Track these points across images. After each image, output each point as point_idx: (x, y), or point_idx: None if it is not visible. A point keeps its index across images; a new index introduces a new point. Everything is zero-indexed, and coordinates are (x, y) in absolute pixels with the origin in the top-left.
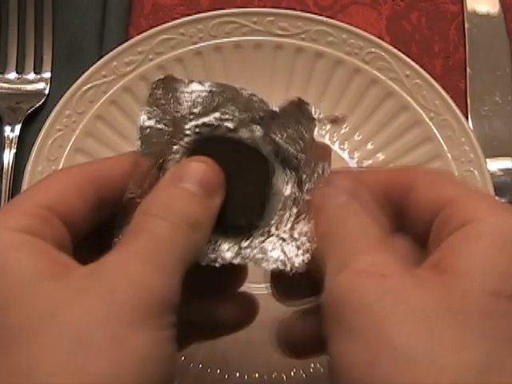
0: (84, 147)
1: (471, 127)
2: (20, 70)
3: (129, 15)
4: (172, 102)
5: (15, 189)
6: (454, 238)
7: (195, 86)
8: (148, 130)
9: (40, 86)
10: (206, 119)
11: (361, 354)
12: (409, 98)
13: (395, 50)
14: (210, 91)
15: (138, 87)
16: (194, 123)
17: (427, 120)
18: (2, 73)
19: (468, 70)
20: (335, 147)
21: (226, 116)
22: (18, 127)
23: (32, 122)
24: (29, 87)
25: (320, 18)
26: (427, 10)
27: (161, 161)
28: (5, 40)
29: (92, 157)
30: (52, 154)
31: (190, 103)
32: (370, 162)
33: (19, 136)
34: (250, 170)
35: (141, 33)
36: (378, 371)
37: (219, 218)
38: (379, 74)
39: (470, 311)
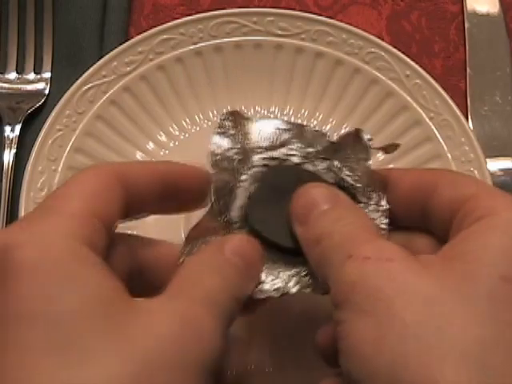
0: (84, 147)
1: (471, 127)
2: (20, 70)
3: (129, 15)
4: (241, 134)
5: (15, 189)
6: (468, 230)
7: (262, 124)
8: (218, 157)
9: (40, 86)
10: (273, 153)
11: (371, 331)
12: (409, 98)
13: (395, 50)
14: (278, 128)
15: (138, 87)
16: (261, 156)
17: (427, 120)
18: (2, 73)
19: (468, 69)
20: None
21: (292, 152)
22: (18, 127)
23: (32, 122)
24: (29, 87)
25: (320, 17)
26: (427, 10)
27: (231, 185)
28: (5, 40)
29: (92, 157)
30: (52, 153)
31: (257, 138)
32: (369, 162)
33: (19, 136)
34: None
35: (141, 33)
36: (386, 345)
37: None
38: (379, 74)
39: (478, 294)
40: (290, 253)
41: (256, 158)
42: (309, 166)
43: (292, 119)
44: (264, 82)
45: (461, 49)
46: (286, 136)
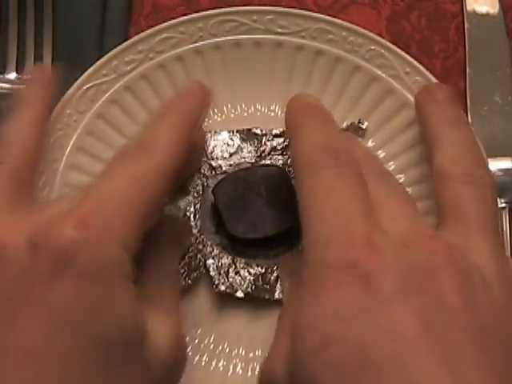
0: (85, 146)
1: None
2: (20, 70)
3: (129, 15)
4: None
5: None
6: None
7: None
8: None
9: None
10: (227, 162)
11: None
12: (409, 95)
13: (395, 48)
14: (229, 138)
15: (138, 86)
16: (218, 165)
17: None
18: (2, 73)
19: (468, 69)
20: None
21: (245, 155)
22: None
23: None
24: None
25: (319, 15)
26: (427, 10)
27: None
28: (5, 40)
29: (93, 156)
30: (53, 153)
31: (208, 153)
32: None
33: None
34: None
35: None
36: None
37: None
38: (379, 72)
39: None
40: (263, 248)
41: (211, 170)
42: (265, 161)
43: None
44: (264, 80)
45: (460, 49)
46: (237, 143)
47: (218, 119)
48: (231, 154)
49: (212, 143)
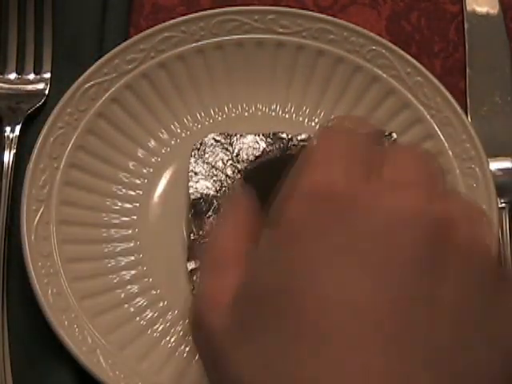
0: (86, 145)
1: None
2: (20, 70)
3: (129, 15)
4: (216, 153)
5: (15, 189)
6: None
7: (238, 143)
8: (197, 183)
9: (40, 86)
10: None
11: None
12: (410, 96)
13: (396, 48)
14: (255, 142)
15: (139, 85)
16: (239, 166)
17: (428, 117)
18: (2, 73)
19: (468, 70)
20: None
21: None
22: (18, 127)
23: (32, 122)
24: (29, 87)
25: (321, 15)
26: (427, 10)
27: (216, 204)
28: (5, 40)
29: (94, 154)
30: (54, 151)
31: (235, 155)
32: None
33: (19, 136)
34: None
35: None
36: None
37: None
38: (380, 72)
39: None
40: None
41: (234, 170)
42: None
43: (293, 117)
44: (265, 79)
45: (460, 49)
46: (262, 147)
47: (219, 118)
48: (257, 158)
49: (237, 146)
